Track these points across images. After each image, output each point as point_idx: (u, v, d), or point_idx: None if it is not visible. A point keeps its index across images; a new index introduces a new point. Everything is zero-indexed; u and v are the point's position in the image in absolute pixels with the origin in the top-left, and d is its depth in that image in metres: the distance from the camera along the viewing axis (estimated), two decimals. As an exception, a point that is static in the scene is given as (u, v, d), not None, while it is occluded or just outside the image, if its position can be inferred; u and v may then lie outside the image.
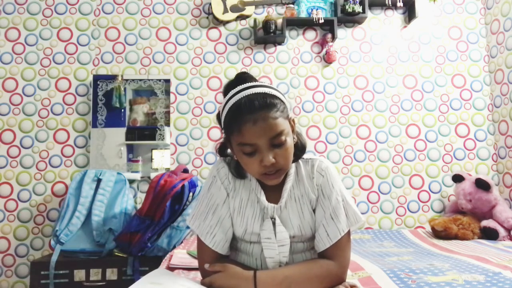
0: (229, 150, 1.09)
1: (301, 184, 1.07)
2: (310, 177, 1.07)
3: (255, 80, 1.06)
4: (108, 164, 2.57)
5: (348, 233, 1.03)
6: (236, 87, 1.01)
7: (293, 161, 1.06)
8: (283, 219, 1.04)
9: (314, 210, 1.06)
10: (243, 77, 1.06)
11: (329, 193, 1.04)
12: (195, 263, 1.48)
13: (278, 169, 0.98)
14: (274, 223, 1.02)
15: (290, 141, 0.99)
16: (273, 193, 1.05)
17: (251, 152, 0.96)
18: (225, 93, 1.04)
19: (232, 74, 2.69)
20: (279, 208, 1.04)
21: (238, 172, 1.06)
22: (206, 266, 1.03)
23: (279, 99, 0.99)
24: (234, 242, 1.09)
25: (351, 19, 2.73)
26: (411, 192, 2.68)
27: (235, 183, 1.07)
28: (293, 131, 1.03)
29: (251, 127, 0.93)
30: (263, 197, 1.04)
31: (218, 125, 1.07)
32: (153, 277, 1.04)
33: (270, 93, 0.98)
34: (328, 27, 2.74)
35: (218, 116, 1.06)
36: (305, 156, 1.10)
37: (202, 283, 1.03)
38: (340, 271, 1.02)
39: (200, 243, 1.06)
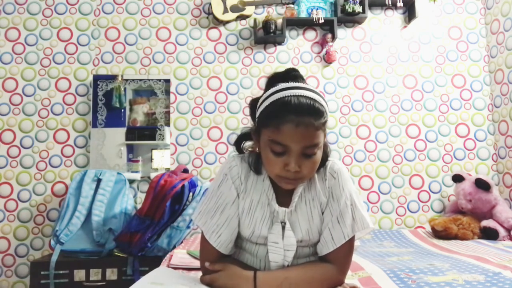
0: (246, 144, 1.06)
1: (313, 187, 1.04)
2: (323, 180, 1.04)
3: (305, 82, 1.01)
4: (108, 164, 2.57)
5: (353, 238, 1.01)
6: (285, 82, 0.96)
7: None
8: (292, 222, 1.01)
9: (323, 213, 1.03)
10: (293, 75, 1.01)
11: (338, 195, 1.01)
12: (195, 263, 1.47)
13: (299, 178, 0.95)
14: (283, 227, 1.00)
15: (320, 154, 0.96)
16: (284, 196, 1.02)
17: (280, 152, 0.92)
18: (270, 83, 1.00)
19: (232, 74, 2.69)
20: (289, 212, 1.01)
21: (256, 167, 1.02)
22: (207, 264, 1.02)
23: (325, 109, 0.94)
24: (239, 241, 1.07)
25: (351, 19, 2.72)
26: (411, 192, 2.68)
27: (246, 183, 1.03)
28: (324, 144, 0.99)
29: (291, 128, 0.89)
30: (274, 201, 1.01)
31: (249, 113, 1.04)
32: (154, 276, 1.03)
33: (319, 101, 0.93)
34: (328, 27, 2.74)
35: (253, 104, 1.02)
36: None
37: (202, 280, 1.03)
38: (340, 276, 1.01)
39: (204, 241, 1.04)
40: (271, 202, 1.01)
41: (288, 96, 0.91)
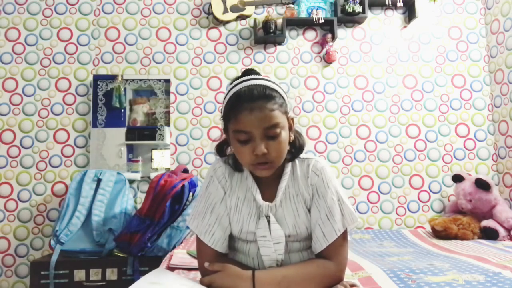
0: (228, 150, 1.11)
1: (296, 183, 1.07)
2: (305, 177, 1.07)
3: (259, 74, 1.08)
4: (108, 164, 2.57)
5: (345, 232, 1.03)
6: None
7: (289, 160, 1.08)
8: (278, 217, 1.04)
9: (309, 210, 1.06)
10: (248, 72, 1.08)
11: (324, 192, 1.04)
12: (195, 263, 1.48)
13: (269, 161, 0.99)
14: (269, 221, 1.03)
15: (285, 135, 1.00)
16: (269, 191, 1.06)
17: (245, 140, 0.98)
18: (227, 89, 1.06)
19: (232, 74, 2.69)
20: (274, 207, 1.05)
21: (236, 165, 1.08)
22: (206, 265, 1.03)
23: (279, 93, 1.01)
24: (231, 242, 1.10)
25: (351, 19, 2.73)
26: (411, 192, 2.68)
27: (231, 182, 1.08)
28: (290, 129, 1.04)
29: (247, 115, 0.96)
30: (258, 196, 1.05)
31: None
32: (153, 276, 1.03)
33: (271, 86, 1.01)
34: (328, 27, 2.74)
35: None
36: (302, 155, 1.10)
37: (201, 282, 1.04)
38: (338, 271, 1.02)
39: (199, 242, 1.07)
40: (256, 198, 1.05)
41: (240, 88, 1.00)
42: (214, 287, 1.00)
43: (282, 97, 1.02)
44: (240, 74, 1.10)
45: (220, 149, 1.12)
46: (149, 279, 1.00)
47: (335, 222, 1.01)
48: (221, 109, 1.06)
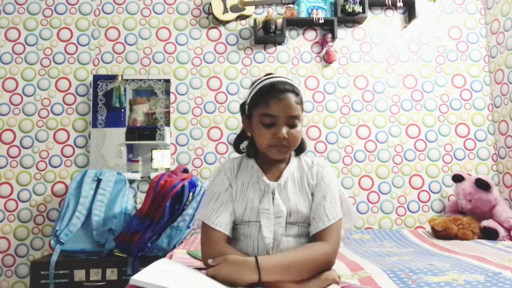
0: (242, 146, 1.24)
1: (301, 169, 1.19)
2: (310, 167, 1.19)
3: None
4: (108, 164, 2.57)
5: (340, 220, 1.14)
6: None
7: (295, 155, 1.22)
8: (281, 194, 1.13)
9: (312, 194, 1.16)
10: (271, 74, 1.23)
11: (328, 181, 1.16)
12: (195, 263, 1.48)
13: (286, 146, 1.12)
14: (273, 198, 1.12)
15: (300, 128, 1.15)
16: (273, 175, 1.16)
17: (269, 124, 1.10)
18: (254, 83, 1.20)
19: (232, 74, 2.69)
20: (278, 186, 1.14)
21: (249, 150, 1.21)
22: (210, 261, 1.05)
23: (301, 94, 1.18)
24: (233, 232, 1.15)
25: (351, 19, 2.73)
26: (411, 192, 2.68)
27: (237, 173, 1.18)
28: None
29: (277, 101, 1.10)
30: (264, 176, 1.15)
31: (240, 113, 1.23)
32: (164, 264, 1.04)
33: (297, 86, 1.17)
34: (328, 27, 2.74)
35: (242, 106, 1.22)
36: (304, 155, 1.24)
37: (207, 274, 1.05)
38: (332, 254, 1.09)
39: (204, 230, 1.12)
40: (261, 179, 1.15)
41: (273, 81, 1.14)
42: (219, 278, 1.01)
43: (302, 98, 1.18)
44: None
45: (238, 146, 1.24)
46: (161, 266, 1.00)
47: (337, 207, 1.14)
48: (249, 96, 1.18)
